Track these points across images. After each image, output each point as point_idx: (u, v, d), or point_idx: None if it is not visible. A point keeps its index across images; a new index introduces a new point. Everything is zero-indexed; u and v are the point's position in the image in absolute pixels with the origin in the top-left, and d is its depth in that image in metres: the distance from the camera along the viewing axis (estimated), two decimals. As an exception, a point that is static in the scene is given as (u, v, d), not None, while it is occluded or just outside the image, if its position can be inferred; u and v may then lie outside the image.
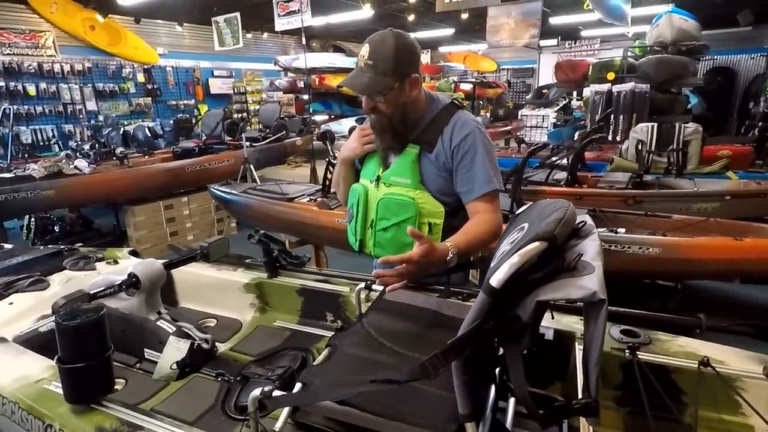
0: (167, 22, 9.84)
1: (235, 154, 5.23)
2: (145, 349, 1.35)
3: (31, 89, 7.91)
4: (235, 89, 11.21)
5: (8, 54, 7.70)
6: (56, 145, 7.94)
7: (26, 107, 7.88)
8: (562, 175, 3.58)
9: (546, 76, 14.32)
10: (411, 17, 8.92)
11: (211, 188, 3.67)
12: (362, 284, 1.36)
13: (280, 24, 7.16)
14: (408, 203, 1.33)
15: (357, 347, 1.13)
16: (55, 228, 4.82)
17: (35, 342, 1.29)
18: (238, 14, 7.96)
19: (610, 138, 5.65)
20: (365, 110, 1.37)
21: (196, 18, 9.41)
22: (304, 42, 5.62)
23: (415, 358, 1.10)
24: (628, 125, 5.77)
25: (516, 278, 0.70)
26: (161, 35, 10.00)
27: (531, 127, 10.34)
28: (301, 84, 10.02)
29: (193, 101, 10.54)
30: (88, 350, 0.94)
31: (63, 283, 1.52)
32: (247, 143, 5.18)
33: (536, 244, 0.72)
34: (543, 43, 12.61)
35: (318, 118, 10.05)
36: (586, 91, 11.04)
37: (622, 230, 2.48)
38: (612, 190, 3.21)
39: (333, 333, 1.43)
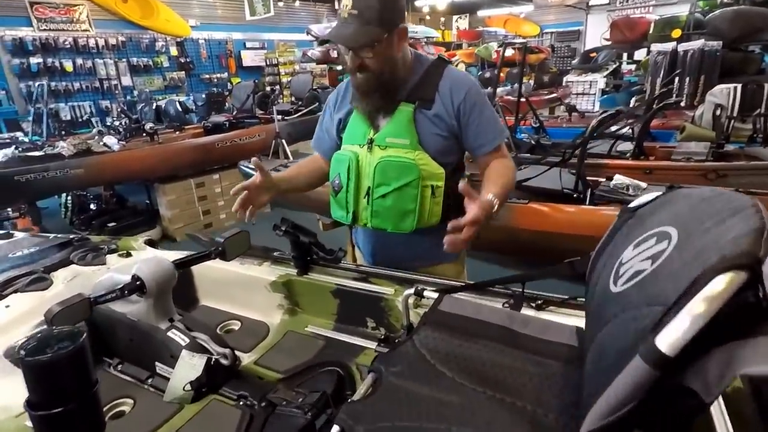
0: (198, -8, 9.63)
1: (267, 128, 5.02)
2: (157, 363, 1.15)
3: (68, 65, 7.96)
4: (268, 61, 10.96)
5: (45, 30, 7.73)
6: (93, 122, 8.03)
7: (64, 84, 7.95)
8: (626, 146, 3.15)
9: (594, 38, 13.28)
10: (449, -23, 8.28)
11: (240, 165, 3.49)
12: (411, 289, 1.09)
13: (311, -11, 6.79)
14: (410, 165, 1.23)
15: (409, 377, 0.87)
16: (92, 206, 4.82)
17: (30, 355, 1.11)
18: (267, -20, 7.63)
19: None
20: (350, 69, 1.25)
21: (226, -14, 9.14)
22: (337, 7, 5.24)
23: (488, 397, 0.85)
24: (695, 88, 5.16)
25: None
26: (193, 6, 9.82)
27: (577, 94, 9.61)
28: (334, 54, 9.63)
29: (225, 74, 10.40)
30: (65, 391, 0.72)
31: (67, 281, 1.34)
32: (279, 116, 4.94)
33: (729, 276, 0.42)
34: (592, 2, 11.62)
35: (351, 89, 9.69)
36: (639, 54, 10.15)
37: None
38: (689, 162, 2.77)
39: (376, 343, 1.20)
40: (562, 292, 1.08)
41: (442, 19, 15.40)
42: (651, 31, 5.90)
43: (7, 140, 5.54)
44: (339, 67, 9.87)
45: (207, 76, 10.11)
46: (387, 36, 1.18)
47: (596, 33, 13.02)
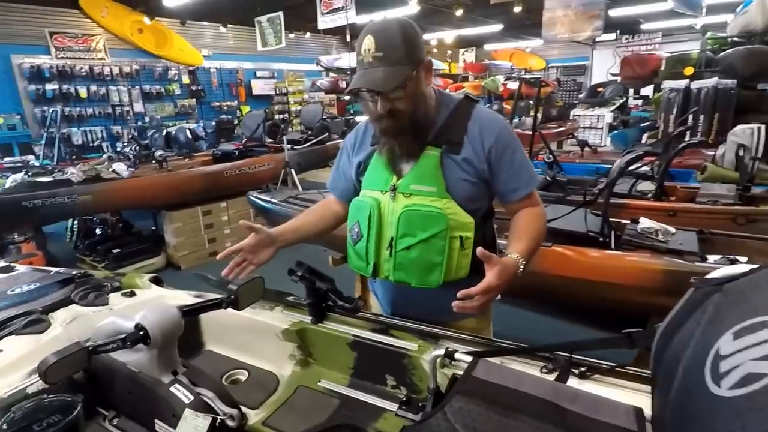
0: (212, 23, 9.89)
1: (276, 157, 5.00)
2: (156, 421, 1.04)
3: (83, 91, 8.10)
4: (277, 90, 11.15)
5: (62, 57, 7.91)
6: (104, 147, 8.11)
7: (77, 109, 8.07)
8: (645, 185, 3.07)
9: (600, 73, 13.49)
10: (459, 12, 8.47)
11: (249, 195, 3.42)
12: (440, 350, 0.99)
13: (323, 22, 6.94)
14: (437, 215, 1.14)
15: (442, 457, 0.77)
16: (97, 231, 4.77)
17: (19, 409, 1.00)
18: (281, 13, 7.81)
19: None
20: (379, 114, 1.15)
21: (239, 19, 9.39)
22: (348, 39, 5.34)
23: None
24: (709, 126, 5.12)
25: None
26: (206, 37, 10.07)
27: (585, 128, 9.65)
28: (343, 84, 9.79)
29: (235, 102, 10.56)
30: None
31: (66, 324, 1.25)
32: (289, 146, 4.93)
33: None
34: (598, 38, 11.83)
35: (359, 118, 9.80)
36: (645, 89, 10.24)
37: (744, 259, 1.97)
38: (716, 206, 2.68)
39: (396, 405, 1.09)
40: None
41: (449, 51, 15.73)
42: (662, 68, 5.92)
43: (19, 164, 5.57)
44: (347, 97, 10.01)
45: (217, 103, 10.27)
46: (415, 73, 1.12)
47: (602, 68, 13.26)
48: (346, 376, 1.22)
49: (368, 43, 1.09)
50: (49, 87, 7.68)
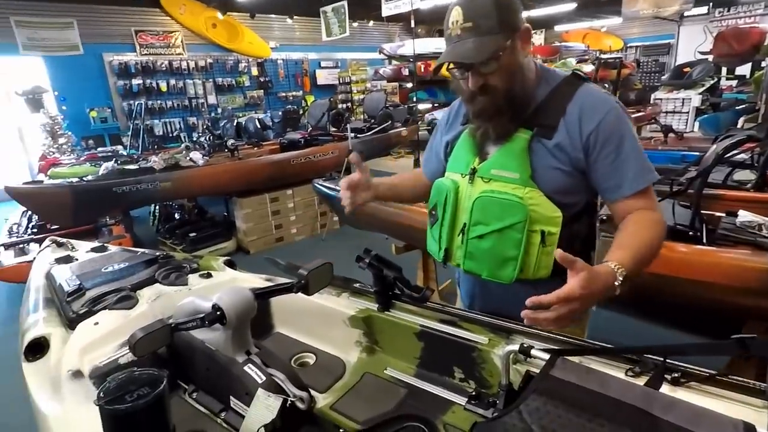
0: (279, 15, 10.19)
1: (340, 146, 5.08)
2: (231, 398, 1.09)
3: (163, 85, 8.73)
4: (341, 79, 11.32)
5: (145, 54, 8.55)
6: (181, 137, 8.72)
7: (159, 102, 8.72)
8: (744, 174, 2.74)
9: (687, 52, 12.25)
10: (528, -8, 8.04)
11: (314, 183, 3.50)
12: (514, 346, 0.94)
13: (387, 9, 6.89)
14: (514, 204, 1.04)
15: (517, 459, 0.73)
16: (176, 216, 5.14)
17: (112, 378, 1.09)
18: (345, 2, 7.86)
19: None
20: (471, 92, 1.06)
21: (305, 10, 9.60)
22: (413, 24, 5.25)
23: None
24: (821, 108, 4.50)
25: None
26: (273, 29, 10.42)
27: (668, 112, 8.86)
28: (405, 72, 9.71)
29: (301, 92, 10.87)
30: (142, 441, 0.66)
31: (151, 301, 1.35)
32: (352, 134, 4.99)
33: None
34: (687, 12, 10.73)
35: (421, 106, 9.68)
36: (743, 68, 9.15)
37: None
38: (833, 198, 2.32)
39: (465, 399, 1.06)
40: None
41: (516, 35, 15.05)
42: (766, 43, 5.26)
43: (110, 153, 6.14)
44: (409, 85, 9.91)
45: (283, 94, 10.63)
46: (510, 42, 1.01)
47: (690, 46, 12.03)
48: (412, 366, 1.20)
49: (456, 14, 1.00)
50: (135, 82, 8.36)
